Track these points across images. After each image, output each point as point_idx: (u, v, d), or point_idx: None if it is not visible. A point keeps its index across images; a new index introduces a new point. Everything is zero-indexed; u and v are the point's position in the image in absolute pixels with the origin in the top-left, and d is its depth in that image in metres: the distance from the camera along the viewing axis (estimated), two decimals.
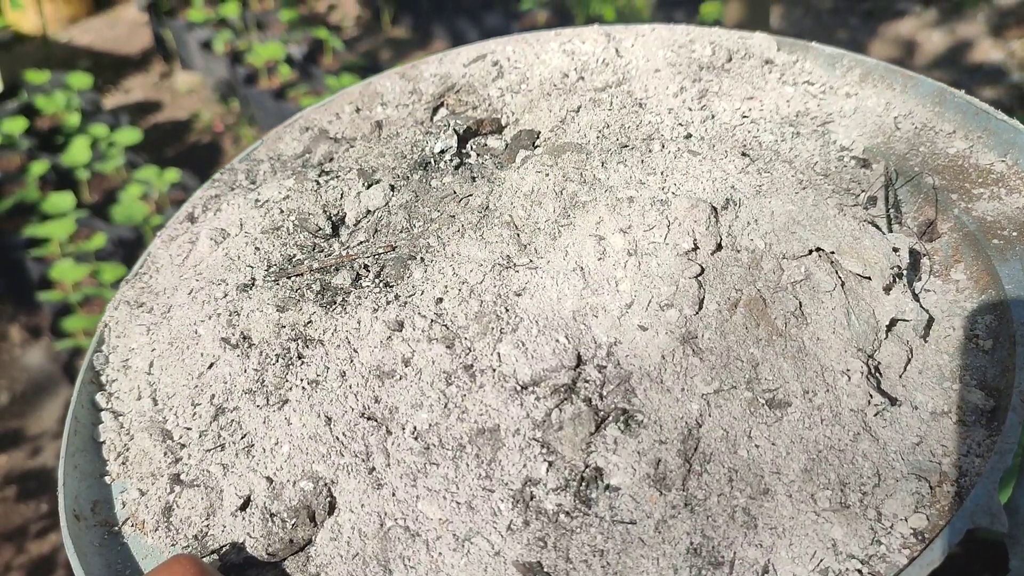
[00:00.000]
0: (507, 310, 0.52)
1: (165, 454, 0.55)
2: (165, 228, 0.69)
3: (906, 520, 0.47)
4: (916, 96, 0.69)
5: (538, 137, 0.66)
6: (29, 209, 2.35)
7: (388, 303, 0.54)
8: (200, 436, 0.54)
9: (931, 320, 0.54)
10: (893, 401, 0.51)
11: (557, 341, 0.51)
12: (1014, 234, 0.58)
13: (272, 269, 0.59)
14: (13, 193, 2.39)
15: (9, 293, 2.41)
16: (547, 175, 0.59)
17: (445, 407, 0.49)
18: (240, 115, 3.12)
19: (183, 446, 0.55)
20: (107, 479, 0.57)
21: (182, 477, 0.54)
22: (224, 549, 0.51)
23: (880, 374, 0.52)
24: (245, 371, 0.54)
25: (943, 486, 0.48)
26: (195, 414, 0.55)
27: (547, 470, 0.47)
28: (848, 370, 0.50)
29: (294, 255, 0.61)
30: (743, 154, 0.59)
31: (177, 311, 0.60)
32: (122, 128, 2.62)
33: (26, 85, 2.82)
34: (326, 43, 3.07)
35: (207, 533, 0.52)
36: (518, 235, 0.56)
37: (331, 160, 0.70)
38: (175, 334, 0.59)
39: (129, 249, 2.28)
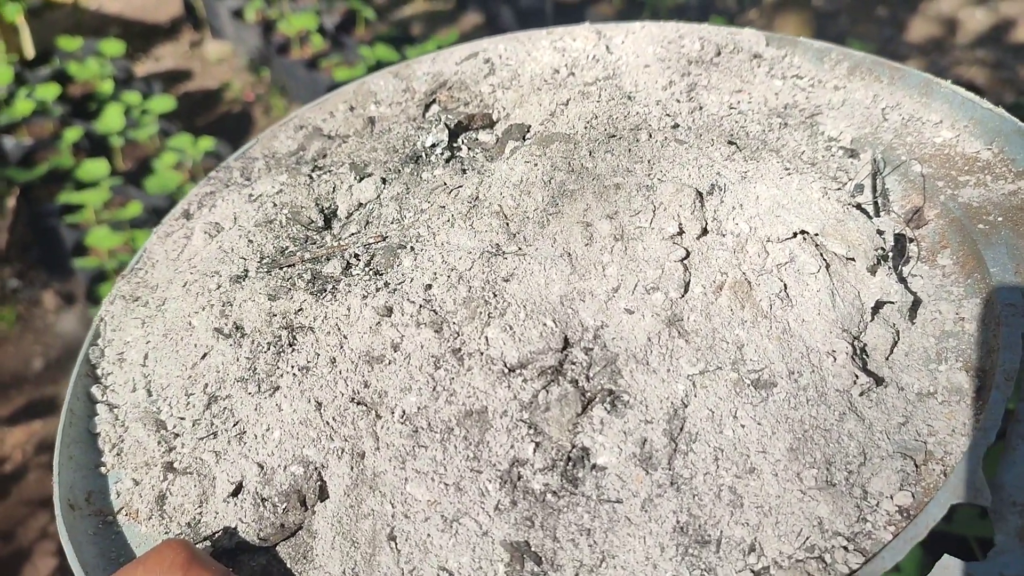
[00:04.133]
0: (495, 295, 0.53)
1: (159, 443, 0.55)
2: (161, 225, 0.70)
3: (891, 498, 0.47)
4: (903, 88, 0.70)
5: (528, 130, 0.67)
6: (63, 176, 2.34)
7: (377, 290, 0.54)
8: (193, 425, 0.55)
9: (917, 302, 0.55)
10: (879, 382, 0.51)
11: (544, 324, 0.51)
12: (999, 219, 0.58)
13: (265, 260, 0.60)
14: (47, 160, 2.38)
15: (43, 260, 2.40)
16: (536, 165, 0.59)
17: (433, 390, 0.50)
18: (271, 85, 3.09)
19: (176, 435, 0.55)
20: (102, 470, 0.57)
21: (175, 465, 0.54)
22: (216, 535, 0.51)
23: (866, 355, 0.52)
24: (237, 359, 0.55)
25: (928, 464, 0.48)
26: (188, 403, 0.56)
27: (534, 451, 0.48)
28: (833, 351, 0.50)
29: (286, 247, 0.61)
30: (730, 143, 0.59)
31: (172, 304, 0.61)
32: (155, 96, 2.61)
33: (58, 51, 2.82)
34: (359, 13, 3.05)
35: (200, 520, 0.52)
36: (507, 224, 0.57)
37: (324, 156, 0.71)
38: (169, 326, 0.60)
39: (163, 217, 2.28)
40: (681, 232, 0.53)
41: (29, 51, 2.83)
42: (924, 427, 0.50)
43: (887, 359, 0.53)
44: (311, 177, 0.66)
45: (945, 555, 0.45)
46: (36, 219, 2.34)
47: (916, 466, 0.48)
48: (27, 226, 2.42)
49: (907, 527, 0.45)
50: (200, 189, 0.71)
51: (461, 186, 0.61)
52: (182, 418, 0.56)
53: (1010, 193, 0.60)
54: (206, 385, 0.56)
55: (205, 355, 0.57)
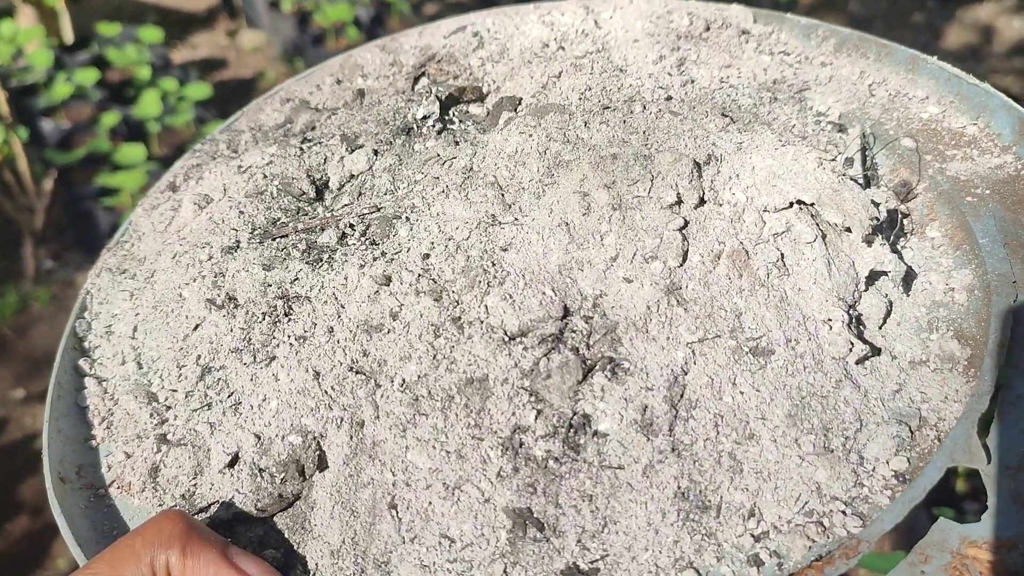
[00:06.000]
0: (493, 264, 0.53)
1: (151, 416, 0.55)
2: (146, 198, 0.69)
3: (887, 463, 0.48)
4: (890, 64, 0.70)
5: (520, 103, 0.67)
6: (100, 160, 2.32)
7: (375, 259, 0.54)
8: (186, 397, 0.54)
9: (910, 273, 0.56)
10: (874, 350, 0.52)
11: (544, 293, 0.51)
12: (987, 192, 0.59)
13: (257, 231, 0.59)
14: (84, 144, 2.36)
15: (78, 242, 2.39)
16: (530, 136, 0.59)
17: (434, 359, 0.50)
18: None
19: (169, 407, 0.55)
20: (92, 443, 0.56)
21: (169, 437, 0.53)
22: (212, 507, 0.51)
23: (862, 324, 0.53)
24: (231, 330, 0.54)
25: (922, 430, 0.49)
26: (181, 375, 0.55)
27: (536, 418, 0.48)
28: (830, 319, 0.51)
29: (278, 218, 0.61)
30: (723, 115, 0.60)
31: (161, 275, 0.60)
32: (191, 83, 2.59)
33: (97, 37, 2.79)
34: (393, 6, 3.04)
35: (195, 492, 0.52)
36: (502, 195, 0.57)
37: (313, 128, 0.70)
38: (159, 298, 0.59)
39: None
40: (679, 202, 0.53)
41: (68, 36, 2.80)
42: (918, 394, 0.51)
43: (880, 328, 0.53)
44: (301, 149, 0.65)
45: (941, 518, 0.46)
46: (73, 202, 2.33)
47: (911, 432, 0.49)
48: (63, 208, 2.40)
49: (905, 490, 0.46)
50: (185, 161, 0.70)
51: (455, 157, 0.61)
52: (174, 390, 0.55)
53: (996, 167, 0.61)
54: (199, 356, 0.55)
55: (197, 326, 0.56)
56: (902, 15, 3.16)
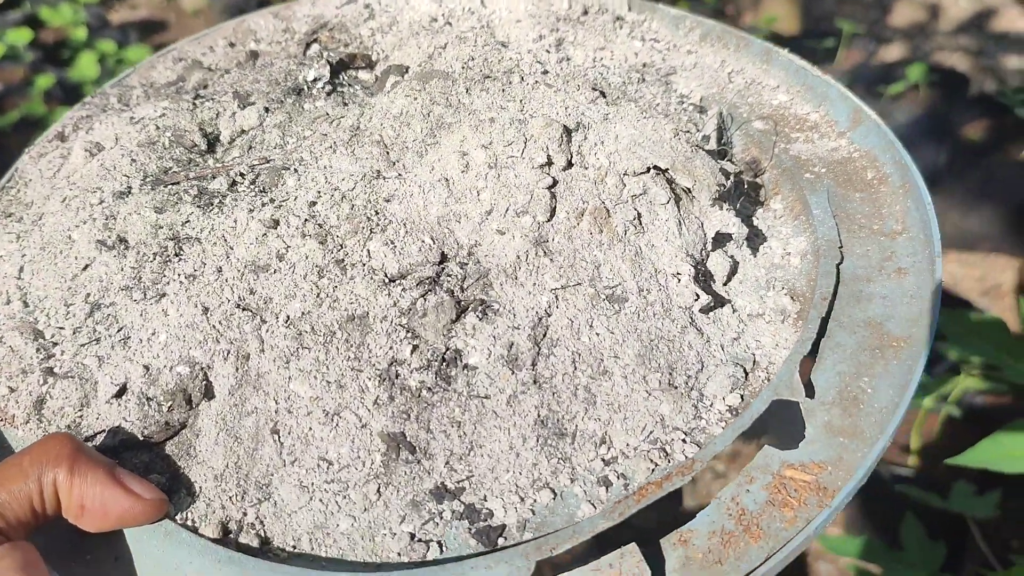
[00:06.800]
0: (377, 213, 0.57)
1: (37, 351, 0.56)
2: (33, 146, 0.70)
3: (724, 399, 0.54)
4: (747, 55, 0.77)
5: (407, 71, 0.71)
6: (34, 124, 2.18)
7: (263, 205, 0.57)
8: (74, 332, 0.56)
9: (752, 236, 0.62)
10: (717, 302, 0.58)
11: (423, 241, 0.55)
12: (823, 170, 0.67)
13: (148, 178, 0.61)
14: (17, 107, 2.22)
15: None
16: (415, 99, 0.63)
17: (317, 297, 0.53)
18: None
19: (56, 343, 0.56)
20: None
21: (55, 370, 0.55)
22: (99, 436, 0.53)
23: (711, 279, 0.59)
24: (122, 269, 0.56)
25: (755, 372, 0.55)
26: (68, 313, 0.57)
27: (411, 352, 0.52)
28: (678, 273, 0.57)
29: (170, 167, 0.63)
30: (593, 89, 0.65)
31: (49, 218, 0.61)
32: (131, 46, 2.47)
33: None
34: None
35: (80, 423, 0.53)
36: (387, 152, 0.61)
37: (205, 87, 0.72)
38: (47, 240, 0.60)
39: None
40: (549, 163, 0.58)
41: None
42: (753, 342, 0.57)
43: (725, 285, 0.60)
44: (194, 104, 0.67)
45: (766, 445, 0.52)
46: (6, 168, 2.20)
47: (745, 373, 0.55)
48: None
49: (734, 420, 0.52)
50: (75, 113, 0.72)
51: (343, 117, 0.65)
52: (61, 327, 0.57)
53: (832, 149, 0.68)
54: (88, 295, 0.57)
55: (87, 266, 0.58)
56: None
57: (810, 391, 0.53)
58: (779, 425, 0.52)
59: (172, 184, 0.61)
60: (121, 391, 0.53)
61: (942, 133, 2.88)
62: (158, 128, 0.65)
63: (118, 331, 0.55)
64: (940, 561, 1.23)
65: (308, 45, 0.77)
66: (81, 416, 0.53)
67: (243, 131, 0.66)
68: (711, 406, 0.54)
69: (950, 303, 2.37)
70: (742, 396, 0.54)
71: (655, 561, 0.46)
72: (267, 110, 0.67)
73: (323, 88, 0.69)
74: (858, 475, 0.48)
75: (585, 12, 0.79)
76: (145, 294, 0.55)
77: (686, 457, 0.51)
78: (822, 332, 0.56)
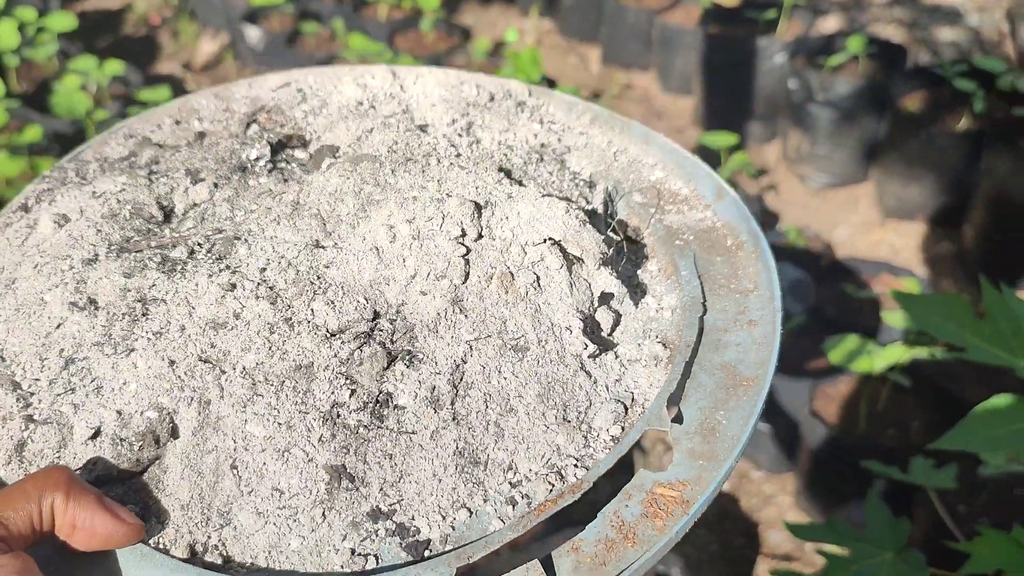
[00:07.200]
0: (319, 278, 0.67)
1: (17, 400, 0.63)
2: None
3: (608, 430, 0.65)
4: (629, 136, 0.91)
5: (338, 151, 0.82)
6: None
7: (220, 271, 0.67)
8: (50, 384, 0.63)
9: (631, 295, 0.75)
10: (603, 349, 0.70)
11: (358, 301, 0.66)
12: (691, 238, 0.80)
13: (114, 247, 0.70)
14: None
15: None
16: (348, 178, 0.74)
17: (269, 350, 0.63)
18: (179, 9, 2.83)
19: (33, 393, 0.64)
20: None
21: (35, 417, 0.63)
22: (77, 472, 0.61)
23: (595, 331, 0.71)
24: (93, 327, 0.65)
25: (633, 407, 0.67)
26: (44, 366, 0.64)
27: (350, 395, 0.62)
28: (570, 326, 0.69)
29: (132, 237, 0.72)
30: (500, 170, 0.77)
31: (23, 283, 0.69)
32: (52, 12, 2.33)
33: None
34: None
35: (59, 461, 0.61)
36: (324, 224, 0.71)
37: (157, 163, 0.82)
38: (21, 301, 0.68)
39: (67, 143, 2.04)
40: (464, 235, 0.69)
41: None
42: (632, 382, 0.69)
43: (609, 335, 0.72)
44: (149, 180, 0.77)
45: (642, 469, 0.64)
46: None
47: (625, 409, 0.67)
48: None
49: (615, 447, 0.64)
50: (36, 186, 0.80)
51: (284, 192, 0.75)
52: (37, 379, 0.64)
53: (699, 220, 0.82)
54: (62, 350, 0.65)
55: (59, 325, 0.66)
56: None
57: (678, 421, 0.65)
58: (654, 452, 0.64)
59: (136, 252, 0.70)
60: (96, 433, 0.61)
61: (881, 104, 2.97)
62: (119, 202, 0.74)
63: (92, 381, 0.63)
64: (905, 538, 1.22)
65: (248, 125, 0.87)
66: (59, 457, 0.61)
67: (195, 204, 0.75)
68: (598, 436, 0.65)
69: (893, 272, 2.47)
70: (623, 427, 0.66)
71: (553, 569, 0.56)
72: (216, 185, 0.77)
73: (265, 166, 0.80)
74: (711, 489, 0.60)
75: (492, 98, 0.91)
76: (116, 349, 0.64)
77: (576, 478, 0.62)
78: (687, 374, 0.68)
